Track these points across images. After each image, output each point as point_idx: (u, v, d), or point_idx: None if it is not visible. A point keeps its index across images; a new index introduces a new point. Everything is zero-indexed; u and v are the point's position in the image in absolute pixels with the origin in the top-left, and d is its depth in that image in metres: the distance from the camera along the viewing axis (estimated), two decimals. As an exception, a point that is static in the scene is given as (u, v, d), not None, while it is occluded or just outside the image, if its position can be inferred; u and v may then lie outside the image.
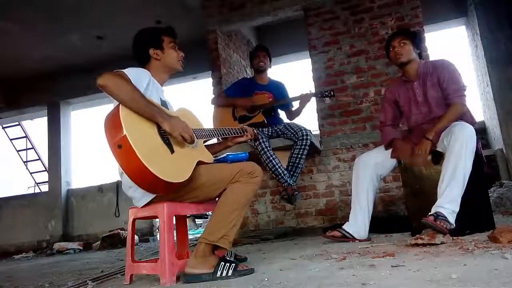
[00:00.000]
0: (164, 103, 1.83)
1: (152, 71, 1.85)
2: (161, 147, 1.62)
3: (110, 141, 1.55)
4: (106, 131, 1.58)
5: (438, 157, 2.28)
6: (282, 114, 3.60)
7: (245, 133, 2.09)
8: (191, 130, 1.71)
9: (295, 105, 3.51)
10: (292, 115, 3.54)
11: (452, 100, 2.32)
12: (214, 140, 2.10)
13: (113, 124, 1.56)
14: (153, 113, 1.61)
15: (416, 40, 2.52)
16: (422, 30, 3.79)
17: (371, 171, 2.51)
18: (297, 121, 3.51)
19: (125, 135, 1.50)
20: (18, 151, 8.97)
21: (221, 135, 2.02)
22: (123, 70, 1.67)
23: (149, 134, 1.61)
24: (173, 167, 1.62)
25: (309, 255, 2.03)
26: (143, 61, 1.89)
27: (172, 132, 1.62)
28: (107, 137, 1.57)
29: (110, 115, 1.61)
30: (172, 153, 1.65)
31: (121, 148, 1.50)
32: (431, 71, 2.44)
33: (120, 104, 1.57)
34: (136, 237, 5.24)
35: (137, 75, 1.72)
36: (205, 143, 2.01)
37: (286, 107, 3.55)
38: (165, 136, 1.65)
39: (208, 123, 3.85)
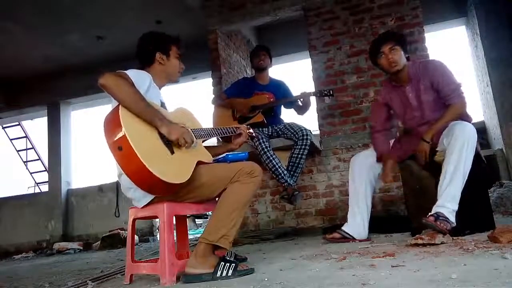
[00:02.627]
0: (163, 105, 1.84)
1: (152, 74, 1.84)
2: (161, 148, 1.62)
3: (109, 141, 1.55)
4: (106, 131, 1.58)
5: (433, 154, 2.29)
6: (282, 114, 3.60)
7: (239, 130, 2.10)
8: (190, 134, 1.70)
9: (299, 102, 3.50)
10: (301, 110, 3.51)
11: (451, 101, 2.29)
12: (215, 142, 2.11)
13: (112, 124, 1.56)
14: (152, 116, 1.61)
15: (404, 44, 2.43)
16: (422, 29, 3.79)
17: (367, 170, 2.51)
18: (297, 121, 3.51)
19: (124, 135, 1.49)
20: (18, 151, 8.96)
21: (218, 135, 2.03)
22: (124, 71, 1.67)
23: (149, 135, 1.61)
24: (174, 168, 1.62)
25: (309, 255, 2.03)
26: (146, 62, 1.89)
27: (169, 136, 1.62)
28: (106, 138, 1.57)
29: (109, 116, 1.60)
30: (172, 154, 1.65)
31: (122, 150, 1.50)
32: (422, 73, 2.37)
33: (120, 105, 1.57)
34: (136, 237, 5.24)
35: (139, 77, 1.71)
36: (206, 145, 2.02)
37: (292, 104, 3.54)
38: (164, 137, 1.64)
39: (208, 123, 3.85)
